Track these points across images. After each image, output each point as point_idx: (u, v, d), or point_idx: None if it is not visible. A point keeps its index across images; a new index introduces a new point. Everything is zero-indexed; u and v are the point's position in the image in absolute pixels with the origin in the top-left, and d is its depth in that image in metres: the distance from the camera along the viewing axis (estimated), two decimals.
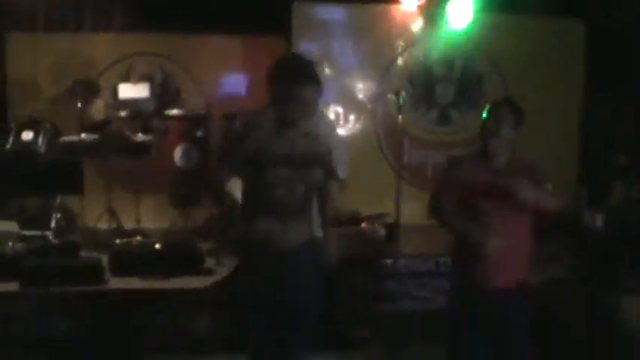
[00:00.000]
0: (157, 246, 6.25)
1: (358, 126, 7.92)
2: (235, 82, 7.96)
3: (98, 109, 7.38)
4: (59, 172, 6.54)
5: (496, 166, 3.97)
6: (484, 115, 3.99)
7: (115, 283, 5.81)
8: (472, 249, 3.90)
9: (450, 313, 4.23)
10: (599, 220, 6.90)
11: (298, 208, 3.85)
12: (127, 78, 7.68)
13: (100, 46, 7.76)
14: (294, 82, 3.72)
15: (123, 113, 7.31)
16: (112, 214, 7.09)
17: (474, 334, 4.02)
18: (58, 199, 6.89)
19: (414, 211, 6.60)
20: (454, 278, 4.22)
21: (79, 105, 7.00)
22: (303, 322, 3.94)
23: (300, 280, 3.89)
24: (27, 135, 6.85)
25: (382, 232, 6.45)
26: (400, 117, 6.55)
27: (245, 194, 3.96)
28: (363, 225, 6.62)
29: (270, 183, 3.77)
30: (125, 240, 6.57)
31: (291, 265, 3.86)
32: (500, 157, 3.97)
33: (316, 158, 3.86)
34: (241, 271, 4.13)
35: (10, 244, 6.09)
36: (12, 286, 5.57)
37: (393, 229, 6.44)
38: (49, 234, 6.66)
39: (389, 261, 6.05)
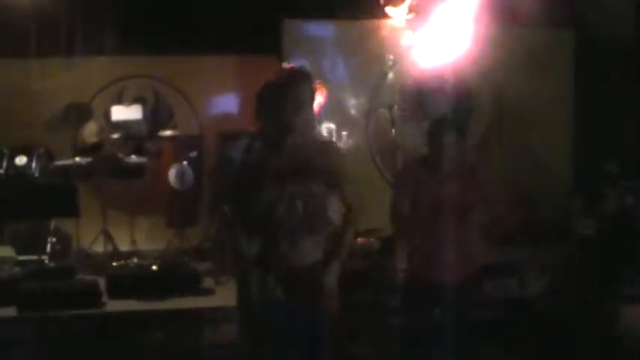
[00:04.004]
0: (154, 267, 6.26)
1: (351, 141, 7.90)
2: (228, 102, 7.97)
3: (91, 132, 7.38)
4: (55, 195, 6.53)
5: (440, 174, 4.25)
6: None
7: (113, 305, 5.81)
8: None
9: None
10: (593, 229, 6.91)
11: (304, 225, 3.51)
12: (119, 101, 7.66)
13: (91, 70, 7.76)
14: (284, 82, 3.55)
15: (116, 136, 7.32)
16: (107, 236, 7.08)
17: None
18: (53, 223, 6.88)
19: None
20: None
21: (72, 129, 6.99)
22: (315, 349, 3.63)
23: (311, 302, 3.56)
24: (20, 160, 6.86)
25: (378, 246, 6.44)
26: (393, 131, 6.56)
27: (244, 217, 3.59)
28: (359, 240, 6.61)
29: (267, 200, 3.48)
30: (122, 262, 6.56)
31: (303, 286, 3.54)
32: (444, 167, 4.26)
33: (316, 169, 3.53)
34: (246, 295, 3.74)
35: (7, 269, 6.08)
36: (9, 311, 5.58)
37: (388, 242, 6.43)
38: (45, 258, 6.65)
39: (386, 275, 6.05)
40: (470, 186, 4.26)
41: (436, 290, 4.24)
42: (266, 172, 3.51)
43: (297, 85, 3.53)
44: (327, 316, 3.63)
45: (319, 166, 3.53)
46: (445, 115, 4.79)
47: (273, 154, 3.54)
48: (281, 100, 3.51)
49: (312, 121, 3.62)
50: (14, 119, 7.51)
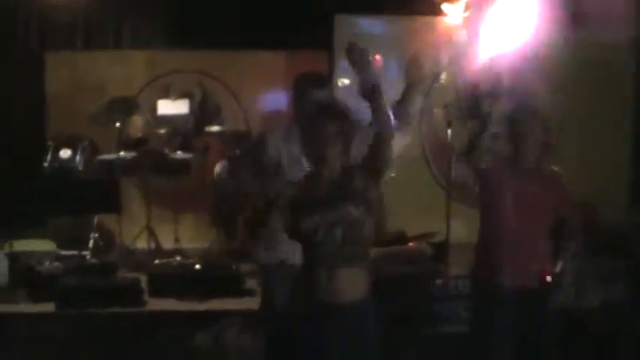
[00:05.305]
0: (197, 267, 6.11)
1: (403, 142, 7.67)
2: (277, 98, 7.78)
3: (136, 126, 7.29)
4: (96, 191, 6.46)
5: (523, 172, 4.08)
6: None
7: (154, 304, 5.68)
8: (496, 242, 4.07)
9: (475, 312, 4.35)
10: None
11: (343, 254, 3.30)
12: (166, 95, 7.53)
13: (139, 64, 7.76)
14: (315, 118, 3.45)
15: (162, 130, 7.18)
16: (150, 233, 6.95)
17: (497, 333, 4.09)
18: (96, 219, 6.79)
19: (463, 229, 6.36)
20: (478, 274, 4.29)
21: (117, 122, 6.88)
22: None
23: (351, 345, 3.31)
24: (65, 153, 6.82)
25: (430, 251, 6.19)
26: (449, 132, 6.30)
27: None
28: (410, 244, 6.36)
29: (306, 230, 3.31)
30: (164, 261, 6.42)
31: (341, 325, 3.31)
32: (528, 163, 4.09)
33: (351, 194, 3.35)
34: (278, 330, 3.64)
35: (47, 263, 5.97)
36: (48, 307, 5.47)
37: (441, 248, 6.18)
38: (87, 254, 6.55)
39: (438, 282, 5.81)
40: (552, 187, 4.10)
41: (510, 296, 4.04)
42: (304, 195, 3.38)
43: (326, 120, 3.41)
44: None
45: (355, 191, 3.35)
46: (528, 105, 4.38)
47: (309, 181, 3.43)
48: (310, 134, 3.43)
49: (345, 150, 3.45)
50: (62, 112, 7.51)
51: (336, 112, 3.50)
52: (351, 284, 3.30)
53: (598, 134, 7.81)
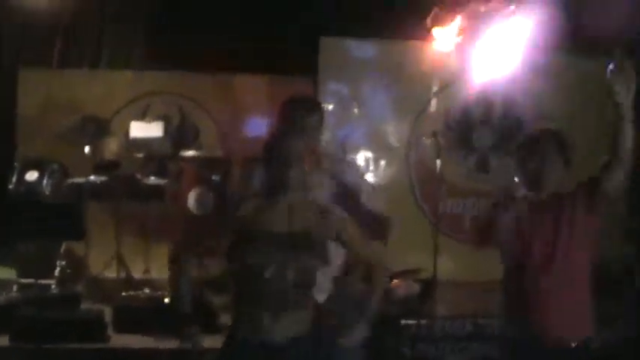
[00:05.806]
0: (166, 300, 5.74)
1: (390, 172, 7.45)
2: (259, 124, 7.51)
3: (111, 149, 6.97)
4: (58, 216, 6.12)
5: (538, 201, 3.63)
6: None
7: (118, 340, 5.34)
8: (523, 290, 3.55)
9: None
10: None
11: (291, 296, 3.24)
12: (143, 117, 7.26)
13: (116, 84, 7.49)
14: (276, 136, 3.43)
15: (138, 154, 6.87)
16: (120, 262, 6.59)
17: None
18: (64, 246, 6.44)
19: (451, 265, 6.07)
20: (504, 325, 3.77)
21: (88, 143, 6.58)
22: None
23: None
24: (31, 175, 6.45)
25: (416, 289, 5.88)
26: (438, 162, 6.02)
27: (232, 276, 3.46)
28: (395, 281, 6.05)
29: (255, 265, 3.23)
30: (131, 293, 6.08)
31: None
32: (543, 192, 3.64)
33: (313, 239, 3.27)
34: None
35: (4, 293, 5.62)
36: (2, 341, 5.12)
37: (428, 285, 5.88)
38: (52, 283, 6.21)
39: (423, 322, 5.53)
40: (576, 219, 3.57)
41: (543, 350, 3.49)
42: (260, 227, 3.27)
43: (287, 141, 3.34)
44: None
45: (316, 235, 3.29)
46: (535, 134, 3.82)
47: (269, 211, 3.31)
48: (273, 154, 3.33)
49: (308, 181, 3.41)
50: (32, 132, 7.19)
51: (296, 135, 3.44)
52: (293, 324, 3.26)
53: (592, 169, 7.55)
